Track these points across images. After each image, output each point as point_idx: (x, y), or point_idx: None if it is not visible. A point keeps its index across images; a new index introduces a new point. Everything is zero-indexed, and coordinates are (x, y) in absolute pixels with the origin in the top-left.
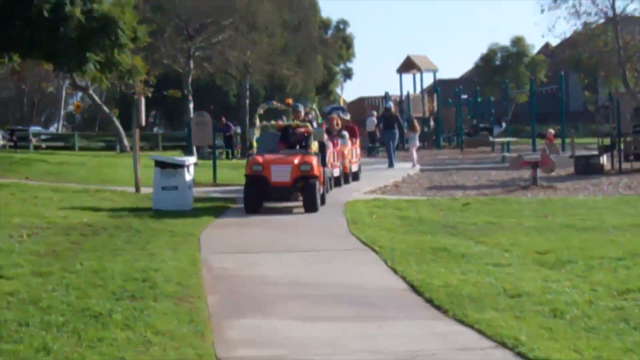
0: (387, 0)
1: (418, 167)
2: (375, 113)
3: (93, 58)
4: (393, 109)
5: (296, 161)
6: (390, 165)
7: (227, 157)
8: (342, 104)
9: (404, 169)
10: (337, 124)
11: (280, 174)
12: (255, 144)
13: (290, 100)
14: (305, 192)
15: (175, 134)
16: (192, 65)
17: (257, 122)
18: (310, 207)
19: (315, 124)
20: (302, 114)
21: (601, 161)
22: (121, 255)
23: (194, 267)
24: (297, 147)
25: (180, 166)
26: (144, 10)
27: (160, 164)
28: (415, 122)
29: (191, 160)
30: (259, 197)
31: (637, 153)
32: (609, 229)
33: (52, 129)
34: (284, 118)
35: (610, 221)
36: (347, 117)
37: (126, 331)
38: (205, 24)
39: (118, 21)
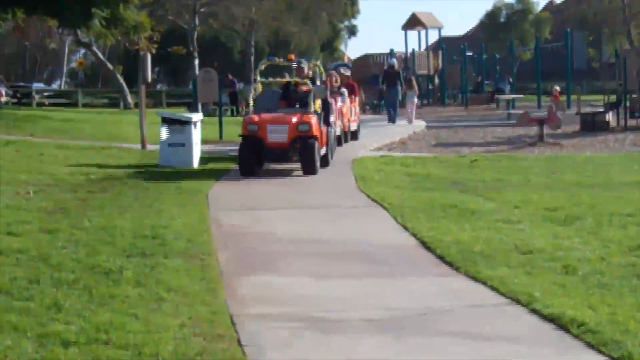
0: None
1: (415, 123)
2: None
3: (98, 14)
4: (396, 66)
5: (294, 120)
6: (390, 120)
7: (232, 114)
8: (346, 61)
9: (407, 125)
10: (336, 81)
11: (277, 134)
12: (252, 102)
13: (292, 56)
14: (303, 153)
15: (179, 90)
16: (197, 22)
17: (258, 78)
18: (309, 169)
19: (318, 82)
20: (306, 70)
21: (607, 118)
22: (129, 212)
23: (203, 224)
24: (298, 105)
25: (187, 123)
26: None
27: (167, 121)
28: (413, 80)
29: (198, 117)
30: (255, 158)
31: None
32: (617, 185)
33: (55, 86)
34: (286, 75)
35: (618, 178)
36: (348, 73)
37: (137, 288)
38: None
39: None
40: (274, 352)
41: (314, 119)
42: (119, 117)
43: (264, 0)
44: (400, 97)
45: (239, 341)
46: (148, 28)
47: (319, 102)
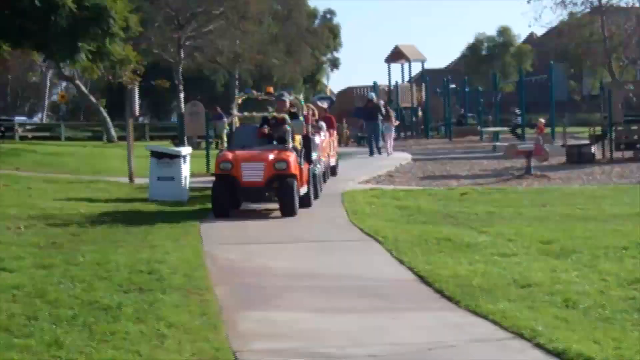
0: None
1: (397, 155)
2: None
3: (85, 47)
4: (375, 99)
5: (270, 157)
6: (371, 153)
7: (217, 147)
8: (328, 93)
9: (393, 158)
10: (313, 114)
11: (252, 173)
12: (225, 138)
13: (271, 89)
14: (281, 193)
15: (162, 124)
16: (182, 55)
17: (235, 112)
18: (287, 210)
19: (301, 117)
20: (287, 104)
21: (593, 150)
22: (123, 246)
23: (198, 258)
24: (276, 142)
25: (176, 156)
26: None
27: (156, 155)
28: (391, 113)
29: (187, 150)
30: (229, 198)
31: (629, 142)
32: (609, 218)
33: (36, 119)
34: (269, 109)
35: (610, 210)
36: (325, 105)
37: (138, 324)
38: (195, 13)
39: (110, 10)
40: None
41: (292, 157)
42: (103, 151)
43: (248, 34)
44: (381, 130)
45: None
46: (134, 62)
47: (299, 137)
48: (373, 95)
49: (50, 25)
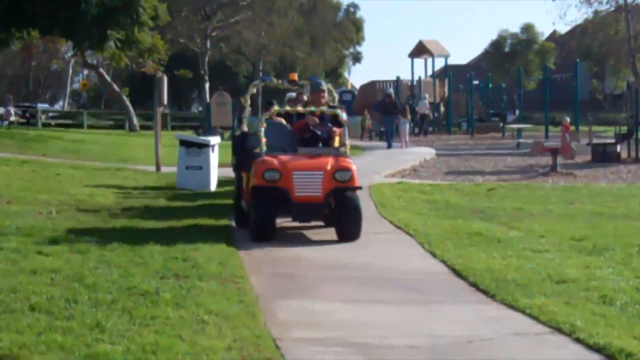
0: None
1: (412, 149)
2: (427, 96)
3: (114, 35)
4: (393, 95)
5: (329, 166)
6: (388, 146)
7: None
8: (350, 87)
9: (417, 152)
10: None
11: (308, 186)
12: (264, 140)
13: (295, 76)
14: (343, 212)
15: (184, 114)
16: (208, 45)
17: (248, 103)
18: (350, 232)
19: (340, 110)
20: (326, 95)
21: (618, 149)
22: (156, 234)
23: (231, 247)
24: (320, 144)
25: (205, 146)
26: None
27: (185, 144)
28: (407, 109)
29: (216, 140)
30: (274, 218)
31: None
32: (639, 216)
33: (57, 107)
34: (300, 101)
35: (639, 209)
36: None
37: (178, 310)
38: (222, 4)
39: None
40: None
41: (354, 165)
42: (127, 139)
43: (274, 26)
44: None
45: None
46: (162, 51)
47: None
48: (391, 91)
49: (79, 12)
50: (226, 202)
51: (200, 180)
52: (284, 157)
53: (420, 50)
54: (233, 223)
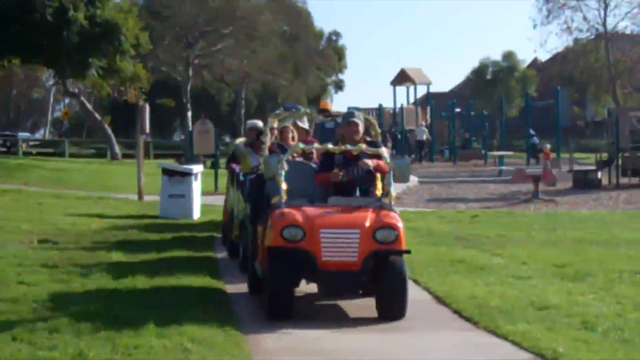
0: (379, 13)
1: None
2: (424, 123)
3: (95, 63)
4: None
5: (368, 222)
6: None
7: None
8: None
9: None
10: (293, 139)
11: (340, 248)
12: (284, 186)
13: (328, 104)
14: (386, 283)
15: (166, 142)
16: (190, 73)
17: (267, 138)
18: (393, 310)
19: (384, 148)
20: (361, 128)
21: (599, 176)
22: (138, 264)
23: (235, 328)
24: (356, 191)
25: (187, 174)
26: (144, 17)
27: (168, 172)
28: (387, 136)
29: (199, 168)
30: (294, 289)
31: (635, 168)
32: (621, 243)
33: (38, 135)
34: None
35: (621, 235)
36: (305, 125)
37: (160, 339)
38: (205, 32)
39: (121, 27)
40: None
41: (400, 221)
42: (109, 168)
43: (256, 54)
44: None
45: None
46: (144, 79)
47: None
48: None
49: (61, 40)
50: (208, 231)
51: (183, 209)
52: (310, 210)
53: (402, 78)
54: (222, 254)
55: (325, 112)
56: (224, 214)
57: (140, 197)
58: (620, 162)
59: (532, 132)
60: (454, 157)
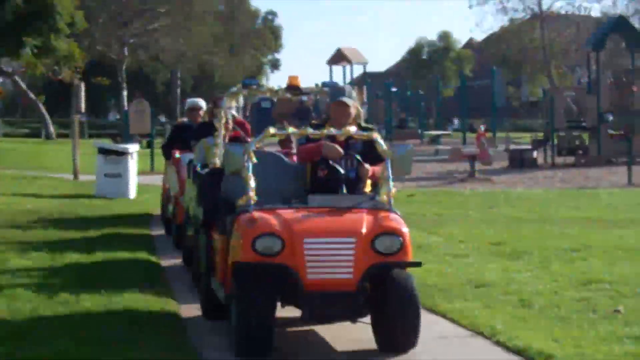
0: None
1: None
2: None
3: (30, 42)
4: (309, 102)
5: (364, 228)
6: None
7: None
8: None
9: None
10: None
11: (330, 262)
12: (252, 182)
13: (297, 80)
14: (391, 306)
15: (101, 121)
16: (126, 53)
17: (223, 122)
18: (401, 339)
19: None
20: (352, 111)
21: (535, 155)
22: (75, 243)
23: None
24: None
25: (123, 153)
26: None
27: (104, 151)
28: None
29: (134, 148)
30: (272, 319)
31: (570, 148)
32: (557, 221)
33: None
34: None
35: (557, 214)
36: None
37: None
38: (140, 11)
39: (56, 5)
40: None
41: (405, 226)
42: (44, 147)
43: (192, 33)
44: None
45: None
46: (79, 59)
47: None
48: (305, 97)
49: None
50: (145, 209)
51: (119, 188)
52: (287, 213)
53: (338, 57)
54: (154, 232)
55: (294, 89)
56: (163, 198)
57: (75, 176)
58: (555, 141)
59: (455, 121)
60: (390, 137)
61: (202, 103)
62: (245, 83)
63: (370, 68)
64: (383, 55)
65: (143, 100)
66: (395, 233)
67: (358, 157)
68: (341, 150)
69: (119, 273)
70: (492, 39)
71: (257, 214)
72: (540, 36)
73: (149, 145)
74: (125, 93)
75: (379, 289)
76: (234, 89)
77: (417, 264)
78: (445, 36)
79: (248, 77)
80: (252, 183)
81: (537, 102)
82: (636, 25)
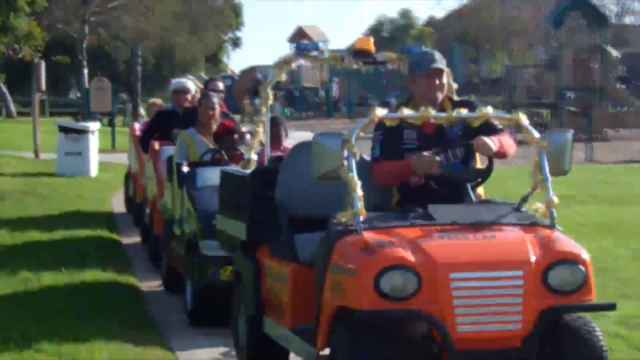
0: None
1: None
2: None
3: None
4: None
5: (532, 255)
6: None
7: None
8: (229, 73)
9: (297, 137)
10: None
11: (490, 308)
12: (356, 186)
13: (368, 43)
14: None
15: (62, 100)
16: (87, 31)
17: (267, 101)
18: None
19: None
20: (446, 79)
21: None
22: (35, 220)
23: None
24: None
25: (84, 132)
26: None
27: (64, 129)
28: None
29: (95, 126)
30: None
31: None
32: (516, 197)
33: None
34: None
35: (517, 190)
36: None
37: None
38: None
39: None
40: None
41: (584, 250)
42: (4, 126)
43: (152, 11)
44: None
45: None
46: (39, 37)
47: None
48: (259, 75)
49: None
50: (105, 186)
51: (80, 166)
52: (414, 234)
53: (299, 35)
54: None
55: (365, 54)
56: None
57: (36, 155)
58: None
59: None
60: (351, 114)
61: (189, 84)
62: (301, 47)
63: (331, 46)
64: (344, 32)
65: (104, 79)
66: (575, 261)
67: (467, 142)
68: (437, 157)
69: (79, 251)
70: (452, 17)
71: (373, 236)
72: (499, 13)
73: (110, 123)
74: (86, 71)
75: (548, 344)
76: (286, 57)
77: (611, 307)
78: (406, 14)
79: (299, 43)
80: (360, 191)
81: (499, 79)
82: (595, 2)
